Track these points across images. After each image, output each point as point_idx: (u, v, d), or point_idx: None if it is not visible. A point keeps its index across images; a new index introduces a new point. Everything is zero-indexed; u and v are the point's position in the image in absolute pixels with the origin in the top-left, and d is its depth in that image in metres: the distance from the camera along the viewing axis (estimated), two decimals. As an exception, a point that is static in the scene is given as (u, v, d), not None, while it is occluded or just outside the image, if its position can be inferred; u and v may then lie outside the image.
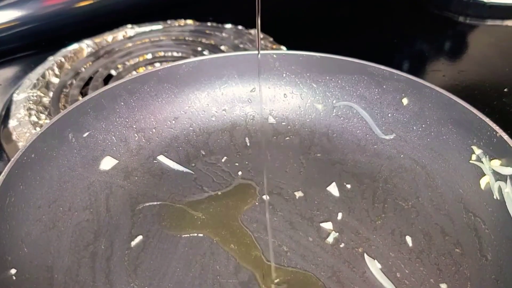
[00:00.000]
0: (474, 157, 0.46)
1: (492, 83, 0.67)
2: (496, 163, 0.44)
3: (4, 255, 0.38)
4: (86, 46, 0.73)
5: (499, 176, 0.43)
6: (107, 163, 0.50)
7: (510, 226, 0.40)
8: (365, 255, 0.42)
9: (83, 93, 0.64)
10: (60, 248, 0.42)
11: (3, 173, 0.41)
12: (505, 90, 0.65)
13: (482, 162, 0.45)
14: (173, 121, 0.55)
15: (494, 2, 0.83)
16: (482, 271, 0.40)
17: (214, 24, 0.79)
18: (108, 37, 0.76)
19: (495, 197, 0.43)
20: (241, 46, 0.72)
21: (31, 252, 0.40)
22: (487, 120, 0.45)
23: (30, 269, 0.39)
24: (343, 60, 0.54)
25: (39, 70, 0.67)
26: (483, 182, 0.44)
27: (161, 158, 0.52)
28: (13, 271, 0.38)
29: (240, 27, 0.78)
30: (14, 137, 0.56)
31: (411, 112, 0.52)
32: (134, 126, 0.53)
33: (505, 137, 0.43)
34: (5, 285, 0.37)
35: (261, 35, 0.75)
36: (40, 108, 0.61)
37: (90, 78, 0.67)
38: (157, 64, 0.69)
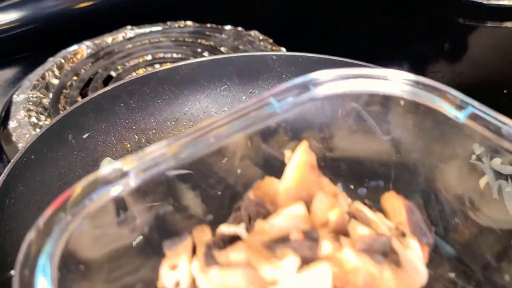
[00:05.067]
0: (474, 156, 0.46)
1: (491, 85, 0.67)
2: (497, 162, 0.44)
3: (4, 256, 0.38)
4: (85, 47, 0.73)
5: (499, 176, 0.43)
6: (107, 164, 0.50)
7: (510, 227, 0.40)
8: (366, 255, 0.42)
9: (83, 94, 0.64)
10: (60, 249, 0.42)
11: (2, 174, 0.41)
12: (505, 91, 0.65)
13: (482, 161, 0.45)
14: (173, 123, 0.55)
15: (493, 3, 0.83)
16: (482, 271, 0.40)
17: (214, 25, 0.79)
18: (107, 38, 0.75)
19: (494, 196, 0.43)
20: (241, 47, 0.72)
21: (31, 253, 0.40)
22: (486, 121, 0.45)
23: (30, 270, 0.39)
24: (343, 61, 0.54)
25: (39, 71, 0.67)
26: (482, 181, 0.44)
27: (161, 159, 0.52)
28: (13, 272, 0.38)
29: (239, 28, 0.78)
30: (13, 138, 0.56)
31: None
32: (134, 128, 0.53)
33: (505, 137, 0.43)
34: (5, 286, 0.37)
35: (261, 37, 0.75)
36: (40, 109, 0.61)
37: (90, 79, 0.67)
38: (157, 66, 0.69)
